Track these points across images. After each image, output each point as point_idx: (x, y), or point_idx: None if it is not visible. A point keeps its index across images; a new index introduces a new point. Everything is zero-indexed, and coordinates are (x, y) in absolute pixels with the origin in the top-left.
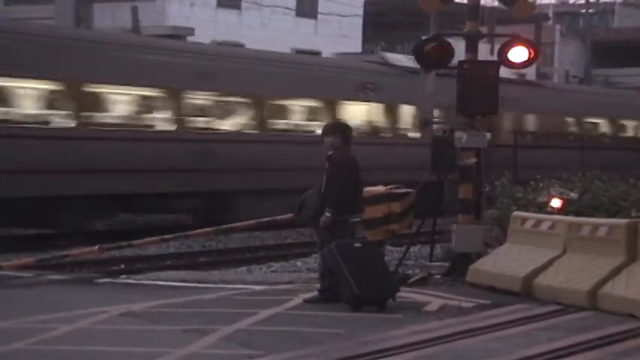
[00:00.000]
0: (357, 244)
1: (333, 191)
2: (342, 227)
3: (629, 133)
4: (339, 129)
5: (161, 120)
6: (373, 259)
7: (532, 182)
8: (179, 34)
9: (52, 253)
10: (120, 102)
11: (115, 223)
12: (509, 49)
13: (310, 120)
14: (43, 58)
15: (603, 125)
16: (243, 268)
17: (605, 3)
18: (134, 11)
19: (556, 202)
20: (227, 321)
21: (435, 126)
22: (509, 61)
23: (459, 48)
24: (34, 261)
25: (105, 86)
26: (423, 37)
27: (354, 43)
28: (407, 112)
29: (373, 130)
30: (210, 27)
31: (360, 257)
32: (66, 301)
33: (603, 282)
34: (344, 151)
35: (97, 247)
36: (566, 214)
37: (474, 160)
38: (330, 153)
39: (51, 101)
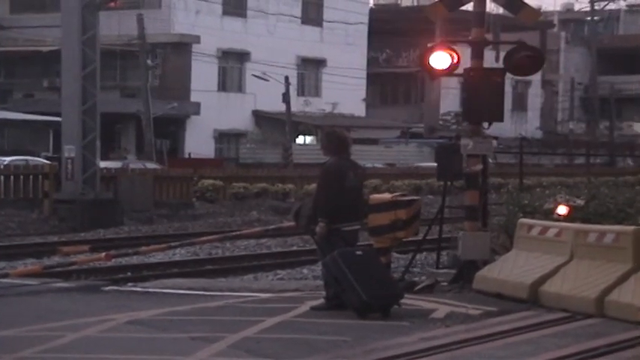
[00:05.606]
0: (358, 252)
1: (322, 200)
2: (337, 236)
3: None
4: (330, 137)
5: None
6: (375, 266)
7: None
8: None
9: (58, 260)
10: None
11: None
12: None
13: None
14: None
15: None
16: (250, 276)
17: (610, 10)
18: (140, 19)
19: (562, 209)
20: (234, 328)
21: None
22: (514, 68)
23: (465, 55)
24: (40, 268)
25: None
26: (429, 45)
27: (359, 51)
28: None
29: None
30: (216, 35)
31: (363, 264)
32: (73, 309)
33: (610, 289)
34: (335, 159)
35: (103, 254)
36: (573, 220)
37: (480, 166)
38: (324, 161)
39: None
